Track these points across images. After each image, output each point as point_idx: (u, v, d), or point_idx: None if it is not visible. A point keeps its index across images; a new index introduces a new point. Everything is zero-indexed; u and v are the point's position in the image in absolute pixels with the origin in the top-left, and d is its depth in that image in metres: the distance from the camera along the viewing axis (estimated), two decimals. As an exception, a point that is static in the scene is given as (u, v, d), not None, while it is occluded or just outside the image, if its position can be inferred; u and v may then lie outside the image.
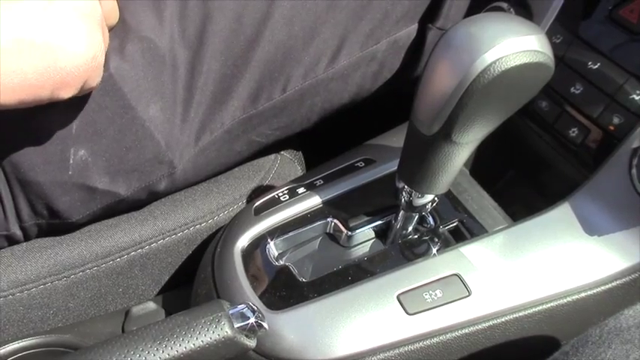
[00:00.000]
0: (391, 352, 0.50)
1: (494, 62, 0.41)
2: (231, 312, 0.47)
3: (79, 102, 0.57)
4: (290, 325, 0.51)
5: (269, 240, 0.58)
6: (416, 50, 0.70)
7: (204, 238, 0.67)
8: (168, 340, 0.44)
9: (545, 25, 0.61)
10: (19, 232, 0.61)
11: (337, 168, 0.63)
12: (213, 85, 0.61)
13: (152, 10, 0.59)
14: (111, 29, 0.58)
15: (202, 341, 0.45)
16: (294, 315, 0.51)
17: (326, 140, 0.84)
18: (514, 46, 0.41)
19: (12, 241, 0.62)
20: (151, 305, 0.64)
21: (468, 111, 0.44)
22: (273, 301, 0.53)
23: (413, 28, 0.68)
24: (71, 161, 0.59)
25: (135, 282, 0.65)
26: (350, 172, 0.62)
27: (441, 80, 0.44)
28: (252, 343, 0.48)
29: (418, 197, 0.53)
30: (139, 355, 0.43)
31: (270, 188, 0.70)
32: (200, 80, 0.60)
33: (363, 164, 0.63)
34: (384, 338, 0.50)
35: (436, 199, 0.54)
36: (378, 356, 0.50)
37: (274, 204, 0.60)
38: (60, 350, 0.61)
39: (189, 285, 0.66)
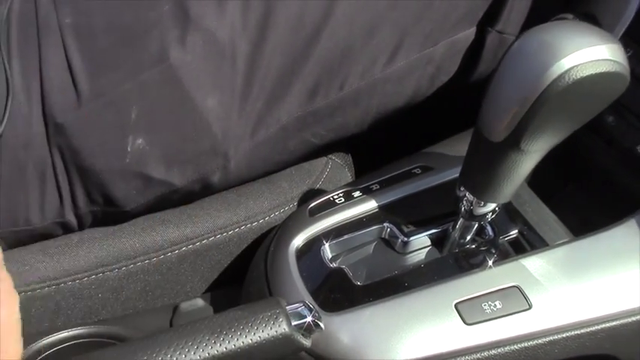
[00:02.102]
0: (447, 362, 0.49)
1: (570, 70, 0.40)
2: (289, 310, 0.46)
3: (138, 91, 0.57)
4: (344, 328, 0.50)
5: (324, 242, 0.57)
6: (474, 54, 0.69)
7: (255, 238, 0.66)
8: (226, 333, 0.44)
9: (615, 38, 0.59)
10: (73, 220, 0.62)
11: (393, 174, 0.62)
12: (271, 80, 0.61)
13: (214, 2, 0.59)
14: None
15: (260, 337, 0.44)
16: (350, 318, 0.50)
17: (376, 149, 0.83)
18: (590, 55, 0.40)
19: (66, 228, 0.62)
20: (200, 302, 0.64)
21: (539, 119, 0.43)
22: (327, 302, 0.52)
23: (471, 31, 0.67)
24: (129, 149, 0.59)
25: (184, 278, 0.65)
26: (407, 179, 0.61)
27: (512, 86, 0.43)
28: (307, 342, 0.47)
29: (480, 206, 0.52)
30: (197, 347, 0.43)
31: (320, 192, 0.70)
32: (259, 74, 0.60)
33: (420, 171, 0.62)
34: (441, 347, 0.49)
35: (497, 208, 0.53)
36: (435, 365, 0.49)
37: (329, 206, 0.60)
38: (108, 342, 0.61)
39: (237, 284, 0.65)
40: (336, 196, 0.61)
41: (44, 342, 0.59)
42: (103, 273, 0.61)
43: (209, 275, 0.66)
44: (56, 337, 0.60)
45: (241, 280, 0.64)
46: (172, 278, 0.64)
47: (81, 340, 0.61)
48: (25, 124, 0.57)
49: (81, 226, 0.63)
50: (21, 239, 0.61)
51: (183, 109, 0.59)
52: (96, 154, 0.59)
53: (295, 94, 0.62)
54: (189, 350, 0.43)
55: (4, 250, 0.60)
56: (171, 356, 0.42)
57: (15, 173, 0.58)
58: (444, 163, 0.62)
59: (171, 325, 0.62)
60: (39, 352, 0.59)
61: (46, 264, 0.60)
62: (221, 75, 0.59)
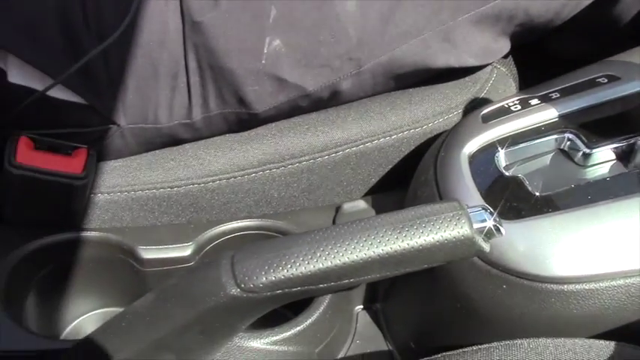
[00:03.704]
0: (633, 279, 0.47)
1: None
2: (470, 212, 0.45)
3: None
4: (522, 236, 0.48)
5: (499, 149, 0.55)
6: None
7: (417, 144, 0.66)
8: (408, 230, 0.44)
9: None
10: (200, 122, 0.62)
11: (575, 82, 0.58)
12: None
13: None
14: None
15: (442, 237, 0.44)
16: (527, 226, 0.49)
17: (542, 61, 0.78)
18: None
19: (191, 130, 0.63)
20: (362, 204, 0.64)
21: None
22: (502, 210, 0.50)
23: None
24: (265, 50, 0.59)
25: (346, 179, 0.66)
26: (590, 88, 0.57)
27: None
28: (487, 246, 0.46)
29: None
30: (379, 241, 0.43)
31: (486, 100, 0.67)
32: None
33: (606, 80, 0.57)
34: (628, 264, 0.46)
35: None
36: (618, 282, 0.47)
37: (504, 113, 0.57)
38: (274, 235, 0.63)
39: (398, 188, 0.65)
40: (511, 103, 0.58)
41: (215, 230, 0.62)
42: (270, 170, 0.63)
43: (369, 178, 0.67)
44: (226, 226, 0.63)
45: (402, 185, 0.64)
46: (335, 179, 0.65)
47: (249, 232, 0.64)
48: (161, 22, 0.58)
49: (207, 129, 0.64)
50: (148, 137, 0.62)
51: (322, 11, 0.59)
52: (232, 54, 0.59)
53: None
54: (371, 243, 0.43)
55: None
56: (354, 248, 0.43)
57: (148, 70, 0.59)
58: (632, 73, 0.57)
59: (334, 224, 0.63)
60: (210, 240, 0.62)
61: (219, 158, 0.62)
62: None
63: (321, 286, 0.44)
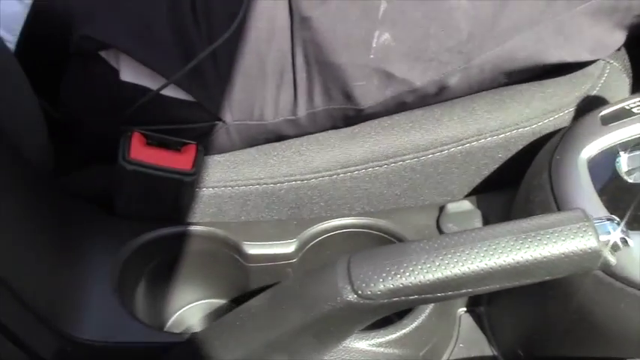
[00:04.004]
0: None
1: None
2: (596, 223, 0.43)
3: None
4: (648, 249, 0.46)
5: (620, 153, 0.52)
6: None
7: (526, 144, 0.63)
8: (531, 240, 0.42)
9: None
10: (304, 119, 0.62)
11: None
12: None
13: None
14: None
15: (567, 249, 0.42)
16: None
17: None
18: None
19: (295, 127, 0.63)
20: (467, 204, 0.63)
21: None
22: (628, 220, 0.48)
23: None
24: (374, 45, 0.58)
25: (449, 178, 0.64)
26: None
27: None
28: (614, 259, 0.44)
29: None
30: (501, 251, 0.42)
31: (598, 99, 0.64)
32: None
33: None
34: None
35: None
36: None
37: (627, 115, 0.54)
38: (377, 234, 0.63)
39: (502, 189, 0.63)
40: (633, 105, 0.55)
41: (318, 227, 0.63)
42: (373, 168, 0.62)
43: (474, 178, 0.65)
44: (329, 224, 0.63)
45: (508, 185, 0.62)
46: (438, 178, 0.64)
47: (351, 230, 0.63)
48: (269, 19, 0.58)
49: (312, 125, 0.63)
50: (252, 134, 0.63)
51: (433, 4, 0.58)
52: (340, 49, 0.58)
53: None
54: (492, 253, 0.42)
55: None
56: (475, 257, 0.42)
57: (255, 67, 0.59)
58: None
59: (437, 224, 0.62)
60: (313, 237, 0.63)
61: (322, 155, 0.62)
62: None
63: (439, 295, 0.43)
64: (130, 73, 0.59)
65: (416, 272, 0.42)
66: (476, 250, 0.42)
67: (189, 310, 0.67)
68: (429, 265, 0.42)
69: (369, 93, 0.60)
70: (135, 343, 0.53)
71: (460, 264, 0.42)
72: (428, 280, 0.42)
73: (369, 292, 0.42)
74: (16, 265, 0.47)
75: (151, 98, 0.59)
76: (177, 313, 0.67)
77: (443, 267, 0.42)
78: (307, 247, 0.62)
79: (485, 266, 0.42)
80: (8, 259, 0.46)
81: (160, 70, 0.58)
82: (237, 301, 0.67)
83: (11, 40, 0.63)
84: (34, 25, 0.63)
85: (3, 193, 0.47)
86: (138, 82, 0.60)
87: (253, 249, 0.61)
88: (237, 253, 0.61)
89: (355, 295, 0.43)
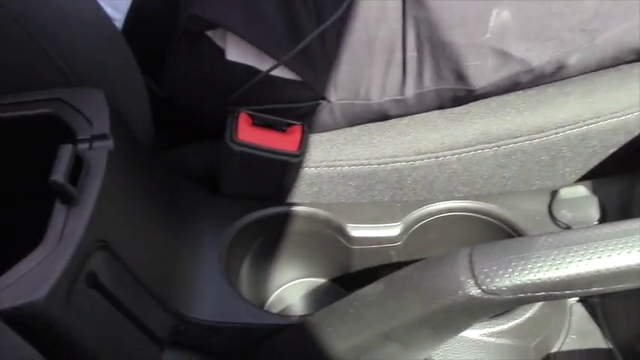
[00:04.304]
0: None
1: None
2: None
3: None
4: None
5: None
6: None
7: (647, 127, 0.60)
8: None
9: None
10: (411, 99, 0.60)
11: None
12: None
13: None
14: None
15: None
16: None
17: None
18: None
19: (401, 107, 0.61)
20: (582, 190, 0.60)
21: None
22: None
23: None
24: (491, 23, 0.56)
25: (562, 162, 0.61)
26: None
27: None
28: None
29: None
30: (638, 249, 0.40)
31: None
32: None
33: None
34: None
35: None
36: None
37: None
38: (483, 218, 0.61)
39: (619, 174, 0.60)
40: None
41: (423, 210, 0.61)
42: (482, 150, 0.60)
43: (590, 161, 0.62)
44: (433, 206, 0.61)
45: (625, 170, 0.59)
46: (551, 161, 0.61)
47: (456, 213, 0.62)
48: None
49: (419, 106, 0.61)
50: (356, 113, 0.62)
51: None
52: (455, 28, 0.56)
53: None
54: (629, 251, 0.40)
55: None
56: (609, 255, 0.40)
57: (363, 47, 0.58)
58: None
59: (549, 209, 0.60)
60: (417, 220, 0.61)
61: (427, 136, 0.60)
62: None
63: (567, 292, 0.41)
64: (236, 52, 0.59)
65: (545, 269, 0.40)
66: (611, 248, 0.40)
67: (290, 288, 0.67)
68: (559, 262, 0.40)
69: (482, 73, 0.58)
70: (244, 323, 0.54)
71: (593, 261, 0.40)
72: (558, 277, 0.40)
73: (493, 288, 0.41)
74: (134, 244, 0.48)
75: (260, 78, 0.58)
76: (278, 291, 0.67)
77: (574, 264, 0.40)
78: (412, 230, 0.61)
79: (621, 264, 0.40)
80: (128, 239, 0.47)
81: (268, 50, 0.57)
82: (336, 281, 0.67)
83: (119, 19, 0.64)
84: (141, 4, 0.63)
85: (122, 166, 0.48)
86: (244, 62, 0.59)
87: (357, 231, 0.60)
88: (340, 235, 0.61)
89: (479, 290, 0.41)
